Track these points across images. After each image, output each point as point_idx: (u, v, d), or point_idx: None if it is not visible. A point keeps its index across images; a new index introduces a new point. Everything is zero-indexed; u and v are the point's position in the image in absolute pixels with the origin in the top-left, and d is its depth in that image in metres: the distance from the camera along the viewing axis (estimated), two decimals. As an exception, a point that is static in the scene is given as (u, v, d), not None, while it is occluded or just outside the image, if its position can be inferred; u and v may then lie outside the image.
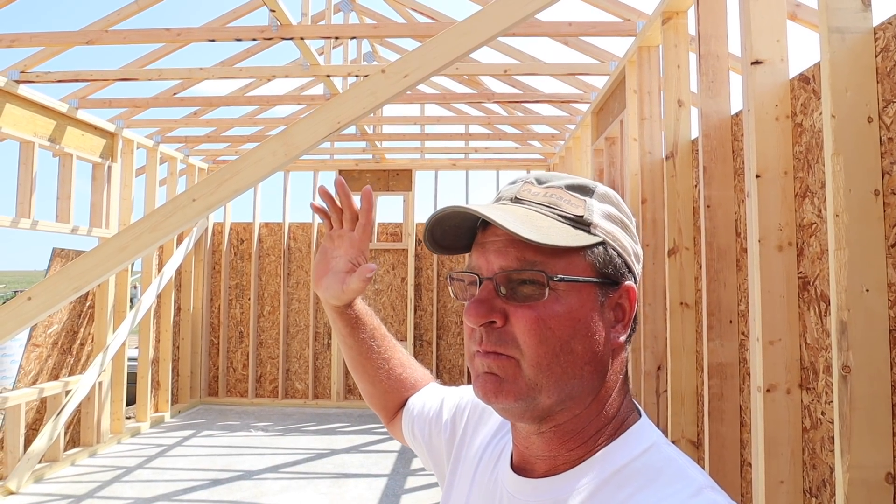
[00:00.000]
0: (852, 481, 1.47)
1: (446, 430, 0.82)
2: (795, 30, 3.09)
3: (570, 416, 0.58)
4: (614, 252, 0.59)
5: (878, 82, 1.54)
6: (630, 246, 0.61)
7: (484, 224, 0.61)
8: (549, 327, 0.55)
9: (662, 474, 0.55)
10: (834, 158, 1.55)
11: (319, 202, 0.90)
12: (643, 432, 0.59)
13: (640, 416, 0.62)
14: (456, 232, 0.63)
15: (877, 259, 1.50)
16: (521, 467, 0.63)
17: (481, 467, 0.71)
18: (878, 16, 1.55)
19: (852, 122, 1.55)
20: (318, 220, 7.34)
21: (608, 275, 0.58)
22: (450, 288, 0.64)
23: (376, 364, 0.92)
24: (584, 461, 0.58)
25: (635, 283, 0.62)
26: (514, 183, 0.64)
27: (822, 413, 1.79)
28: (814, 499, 1.83)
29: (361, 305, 0.91)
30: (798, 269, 1.92)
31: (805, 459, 1.88)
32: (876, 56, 1.55)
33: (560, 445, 0.59)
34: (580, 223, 0.58)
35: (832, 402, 1.70)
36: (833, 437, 1.72)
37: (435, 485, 4.51)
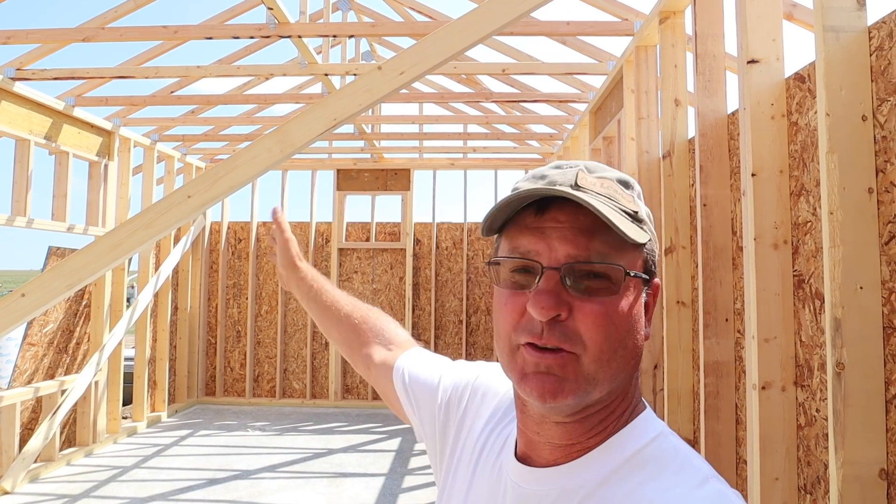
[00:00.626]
0: (846, 477, 1.48)
1: (441, 410, 0.80)
2: (791, 30, 3.10)
3: (602, 406, 0.58)
4: (654, 249, 0.61)
5: (872, 81, 1.55)
6: (657, 243, 0.63)
7: (540, 207, 0.57)
8: (613, 323, 0.54)
9: (669, 464, 0.55)
10: (829, 156, 1.55)
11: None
12: (649, 422, 0.60)
13: (646, 407, 0.62)
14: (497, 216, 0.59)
15: (871, 256, 1.51)
16: (525, 455, 0.62)
17: (484, 455, 0.69)
18: (873, 15, 1.56)
19: (847, 120, 1.55)
20: (316, 219, 7.34)
21: (651, 272, 0.60)
22: (490, 273, 0.60)
23: (338, 304, 1.05)
24: (591, 450, 0.58)
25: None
26: (560, 167, 0.60)
27: (817, 410, 1.80)
28: (808, 495, 1.84)
29: (310, 268, 1.13)
30: (793, 266, 1.93)
31: (800, 456, 1.89)
32: (870, 55, 1.56)
33: (582, 434, 0.58)
34: (637, 220, 0.58)
35: (826, 399, 1.70)
36: (827, 434, 1.72)
37: (432, 484, 4.51)
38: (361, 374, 1.03)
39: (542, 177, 0.59)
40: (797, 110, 1.93)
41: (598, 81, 4.67)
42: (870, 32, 1.56)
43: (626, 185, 0.60)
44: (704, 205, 2.41)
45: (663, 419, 2.77)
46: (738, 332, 2.34)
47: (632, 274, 0.55)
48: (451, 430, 0.77)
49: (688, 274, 2.77)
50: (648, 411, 0.61)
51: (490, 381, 0.78)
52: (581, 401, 0.55)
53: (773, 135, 1.96)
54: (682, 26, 2.93)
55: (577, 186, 0.56)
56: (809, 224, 1.85)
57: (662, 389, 2.91)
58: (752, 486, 1.93)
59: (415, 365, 0.89)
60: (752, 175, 1.94)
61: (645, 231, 0.58)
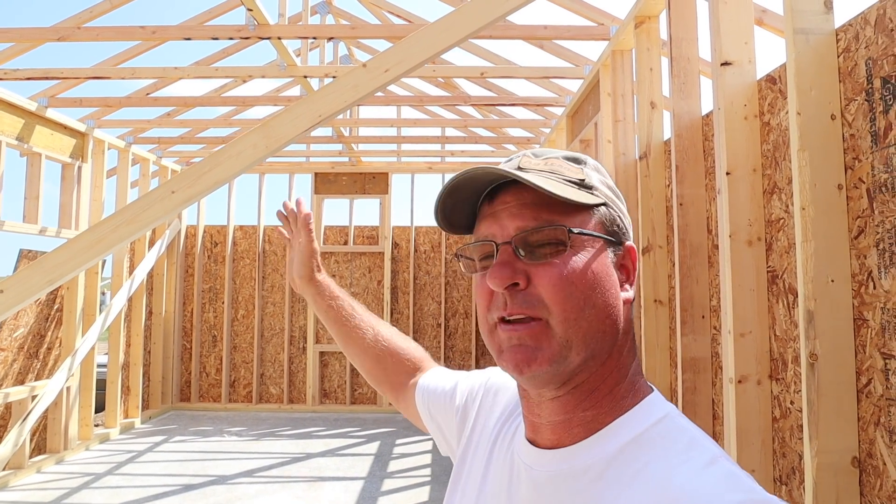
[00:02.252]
0: (820, 466, 1.52)
1: (458, 414, 0.82)
2: (762, 35, 3.19)
3: (589, 374, 0.59)
4: (616, 213, 0.62)
5: (840, 81, 1.61)
6: (625, 211, 0.65)
7: (490, 195, 0.62)
8: (571, 282, 0.56)
9: (676, 443, 0.55)
10: (800, 154, 1.61)
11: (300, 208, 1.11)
12: (657, 403, 0.60)
13: (653, 389, 0.63)
14: (462, 208, 0.64)
15: (841, 250, 1.56)
16: (533, 440, 0.64)
17: (497, 446, 0.71)
18: (839, 18, 1.62)
19: (817, 119, 1.61)
20: (293, 222, 7.28)
21: (615, 233, 0.61)
22: (459, 265, 0.65)
23: (362, 330, 1.02)
24: (599, 429, 0.58)
25: None
26: (510, 159, 0.65)
27: (791, 402, 1.85)
28: (783, 486, 1.89)
29: (331, 281, 1.08)
30: (767, 263, 1.98)
31: (775, 448, 1.93)
32: (838, 56, 1.62)
33: (575, 406, 0.59)
34: (583, 186, 0.61)
35: (801, 391, 1.76)
36: (801, 426, 1.77)
37: (412, 486, 4.50)
38: (388, 399, 1.04)
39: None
40: (769, 111, 1.99)
41: (574, 85, 4.73)
42: (837, 35, 1.63)
43: (574, 160, 0.63)
44: (681, 204, 2.46)
45: (642, 416, 2.82)
46: (715, 328, 2.39)
47: (576, 231, 0.57)
48: (467, 431, 0.79)
49: (665, 273, 2.83)
50: (656, 394, 0.62)
51: (501, 379, 0.81)
52: (559, 367, 0.57)
53: (747, 134, 2.01)
54: (656, 31, 3.00)
55: (519, 168, 0.62)
56: (782, 221, 1.90)
57: (641, 387, 2.95)
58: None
59: (433, 382, 0.92)
60: (727, 174, 2.00)
61: (595, 195, 0.61)
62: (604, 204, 0.62)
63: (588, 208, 0.60)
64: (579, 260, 0.57)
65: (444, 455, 0.89)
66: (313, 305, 1.08)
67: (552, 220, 0.58)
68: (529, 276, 0.57)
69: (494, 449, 0.71)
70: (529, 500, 0.61)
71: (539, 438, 0.63)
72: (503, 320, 0.58)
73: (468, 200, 0.63)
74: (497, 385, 0.80)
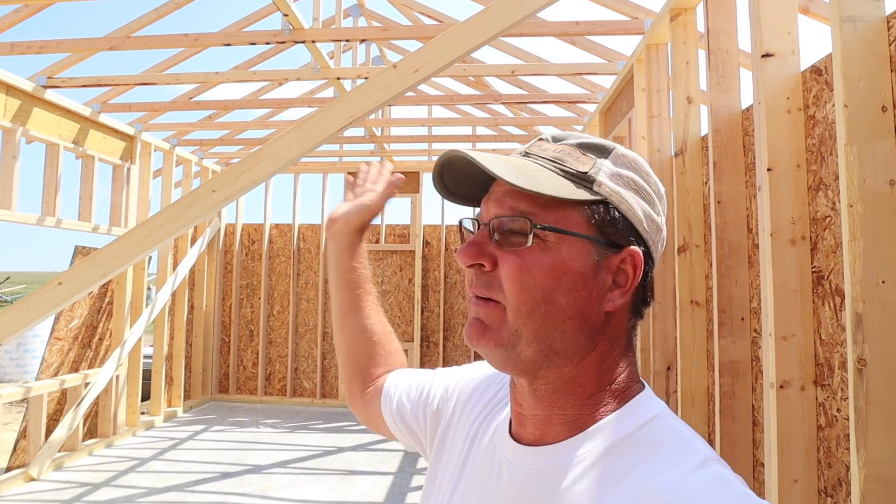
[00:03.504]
0: (868, 478, 1.45)
1: (432, 410, 0.79)
2: (807, 24, 3.06)
3: (558, 373, 0.57)
4: (618, 214, 0.57)
5: (891, 71, 1.52)
6: (643, 212, 0.59)
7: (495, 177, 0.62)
8: (531, 275, 0.55)
9: (666, 445, 0.53)
10: (847, 148, 1.52)
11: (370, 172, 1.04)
12: (647, 403, 0.58)
13: (644, 388, 0.60)
14: (473, 183, 0.63)
15: (892, 250, 1.48)
16: (518, 434, 0.62)
17: (476, 443, 0.69)
18: (891, 4, 1.53)
19: (866, 111, 1.52)
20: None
21: (607, 234, 0.57)
22: (461, 236, 0.66)
23: (365, 312, 0.93)
24: (584, 429, 0.57)
25: (648, 252, 0.59)
26: (540, 139, 0.64)
27: (838, 410, 1.76)
28: (829, 498, 1.80)
29: (363, 252, 0.97)
30: (812, 263, 1.89)
31: (820, 458, 1.85)
32: (889, 44, 1.53)
33: (551, 404, 0.58)
34: (583, 180, 0.57)
35: (848, 398, 1.67)
36: (849, 435, 1.69)
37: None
38: (345, 391, 0.96)
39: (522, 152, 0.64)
40: (814, 103, 1.90)
41: (607, 81, 4.64)
42: (888, 21, 1.54)
43: (595, 149, 0.60)
44: (718, 202, 2.38)
45: (678, 420, 2.74)
46: (755, 331, 2.30)
47: (539, 227, 0.55)
48: (442, 426, 0.77)
49: (702, 273, 2.74)
50: (647, 392, 0.60)
51: (477, 374, 0.79)
52: (508, 353, 0.57)
53: (789, 129, 1.93)
54: (693, 23, 2.91)
55: (526, 154, 0.61)
56: (828, 219, 1.81)
57: (676, 391, 2.87)
58: (769, 489, 1.90)
59: (404, 381, 0.87)
60: (768, 170, 1.91)
61: (593, 191, 0.57)
62: (603, 202, 0.57)
63: (575, 204, 0.56)
64: (547, 256, 0.56)
65: (409, 450, 0.86)
66: (334, 260, 0.94)
67: (524, 212, 0.56)
68: (497, 260, 0.58)
69: (474, 443, 0.69)
70: (511, 497, 0.59)
71: (523, 432, 0.61)
72: (473, 296, 0.60)
73: (479, 177, 0.61)
74: (475, 381, 0.78)
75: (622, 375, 0.59)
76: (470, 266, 0.59)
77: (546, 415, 0.59)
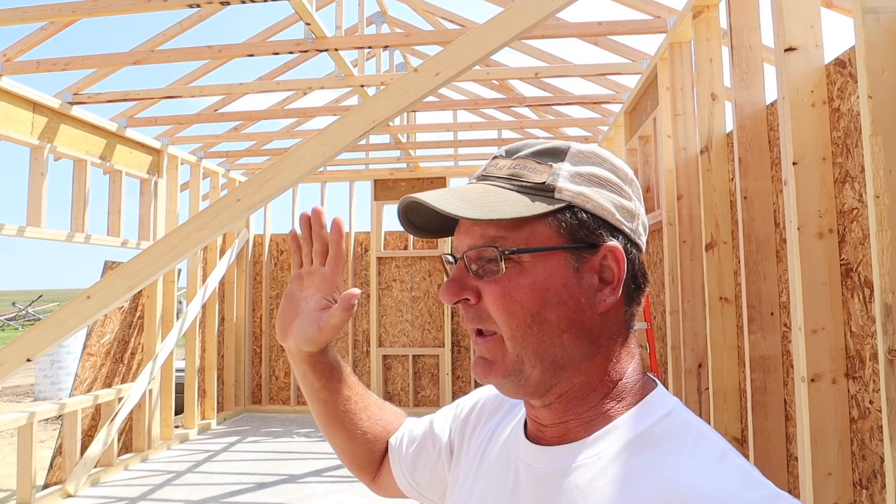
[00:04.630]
0: (903, 469, 1.43)
1: (445, 448, 0.79)
2: (830, 17, 3.03)
3: (570, 384, 0.58)
4: (585, 214, 0.57)
5: (916, 61, 1.52)
6: (611, 203, 0.58)
7: None
8: (515, 300, 0.55)
9: (683, 439, 0.54)
10: (872, 139, 1.52)
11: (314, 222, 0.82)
12: (662, 399, 0.58)
13: (657, 384, 0.61)
14: (439, 216, 0.60)
15: (921, 240, 1.47)
16: (535, 436, 0.63)
17: (489, 451, 0.69)
18: (914, -7, 1.52)
19: (890, 101, 1.52)
20: (355, 229, 7.48)
21: (580, 238, 0.56)
22: (444, 272, 0.65)
23: (355, 415, 0.83)
24: (601, 427, 0.57)
25: (629, 241, 0.59)
26: (493, 156, 0.64)
27: (871, 402, 1.74)
28: (864, 490, 1.78)
29: (333, 353, 0.82)
30: (840, 255, 1.88)
31: (854, 450, 1.83)
32: (913, 34, 1.53)
33: (567, 412, 0.59)
34: (541, 191, 0.57)
35: (880, 390, 1.66)
36: (882, 426, 1.67)
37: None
38: (364, 483, 0.90)
39: (480, 174, 0.64)
40: (839, 96, 1.89)
41: (632, 81, 4.63)
42: (911, 12, 1.53)
43: (549, 154, 0.59)
44: (745, 198, 2.37)
45: (710, 419, 2.72)
46: (785, 325, 2.29)
47: (507, 252, 0.55)
48: (455, 454, 0.77)
49: (730, 269, 2.72)
50: (660, 389, 0.60)
51: (490, 395, 0.79)
52: (518, 379, 0.57)
53: (815, 122, 1.92)
54: (716, 20, 2.90)
55: (482, 177, 0.61)
56: (856, 211, 1.80)
57: (708, 388, 2.85)
58: (804, 482, 1.88)
59: (407, 437, 0.84)
60: (794, 164, 1.91)
61: (559, 199, 0.56)
62: (567, 208, 0.56)
63: (540, 217, 0.56)
64: (525, 277, 0.55)
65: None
66: (300, 378, 0.82)
67: (494, 238, 0.57)
68: (481, 292, 0.58)
69: (487, 450, 0.70)
70: (529, 498, 0.59)
71: (542, 436, 0.62)
72: (473, 331, 0.60)
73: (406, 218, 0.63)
74: (486, 401, 0.78)
75: (630, 368, 0.60)
76: (455, 303, 0.59)
77: (563, 422, 0.60)
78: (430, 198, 0.57)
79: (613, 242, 0.57)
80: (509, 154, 0.61)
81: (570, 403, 0.58)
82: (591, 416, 0.58)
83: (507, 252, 0.56)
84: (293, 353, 0.79)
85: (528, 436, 0.64)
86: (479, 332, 0.59)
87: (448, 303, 0.59)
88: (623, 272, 0.57)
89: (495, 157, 0.62)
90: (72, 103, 4.57)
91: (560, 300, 0.55)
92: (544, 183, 0.57)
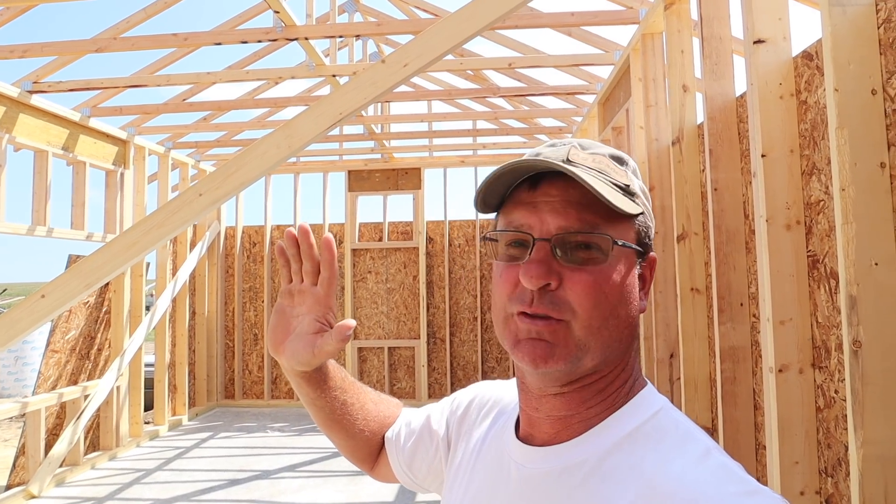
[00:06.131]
0: (866, 457, 1.46)
1: (442, 442, 0.80)
2: (798, 10, 3.06)
3: (599, 377, 0.59)
4: (650, 223, 0.62)
5: (881, 54, 1.53)
6: (650, 218, 0.64)
7: (533, 181, 0.59)
8: (603, 292, 0.56)
9: (670, 437, 0.56)
10: (838, 132, 1.53)
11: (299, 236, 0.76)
12: (651, 398, 0.60)
13: (647, 383, 0.63)
14: (490, 190, 0.60)
15: (885, 232, 1.49)
16: (528, 435, 0.63)
17: (485, 449, 0.70)
18: (880, -13, 1.53)
19: (856, 95, 1.53)
20: (328, 220, 7.39)
21: (645, 244, 0.61)
22: (484, 249, 0.64)
23: (352, 417, 0.83)
24: (594, 426, 0.58)
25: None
26: (554, 145, 0.62)
27: (836, 391, 1.77)
28: (829, 478, 1.81)
29: (337, 371, 0.82)
30: (807, 247, 1.90)
31: (819, 439, 1.86)
32: (878, 28, 1.54)
33: (579, 404, 0.59)
34: (627, 192, 0.59)
35: (845, 379, 1.68)
36: (847, 415, 1.70)
37: (451, 480, 4.51)
38: (365, 471, 0.93)
39: (537, 154, 0.61)
40: (806, 89, 1.90)
41: (605, 72, 4.64)
42: (877, 5, 1.54)
43: (619, 160, 0.62)
44: (715, 189, 2.39)
45: (681, 408, 2.75)
46: (754, 316, 2.31)
47: (620, 243, 0.57)
48: (453, 451, 0.77)
49: (701, 260, 2.75)
50: (650, 388, 0.62)
51: (490, 392, 0.79)
52: (573, 367, 0.56)
53: (783, 114, 1.93)
54: (687, 11, 2.91)
55: (568, 161, 0.58)
56: (822, 203, 1.82)
57: (679, 378, 2.89)
58: (771, 471, 1.91)
59: (404, 430, 0.85)
60: (762, 156, 1.92)
61: (637, 204, 0.59)
62: (642, 213, 0.61)
63: (630, 217, 0.59)
64: (614, 271, 0.57)
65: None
66: (295, 388, 0.81)
67: (597, 226, 0.56)
68: (562, 277, 0.56)
69: (482, 450, 0.70)
70: (522, 498, 0.60)
71: (535, 433, 0.62)
72: (524, 313, 0.56)
73: (504, 182, 0.60)
74: (486, 397, 0.78)
75: (635, 368, 0.63)
76: (538, 288, 0.56)
77: (568, 415, 0.60)
78: (576, 172, 0.54)
79: (653, 253, 0.63)
80: (583, 147, 0.61)
81: (587, 394, 0.59)
82: (594, 412, 0.59)
83: (618, 242, 0.57)
84: (287, 370, 0.77)
85: (519, 436, 0.64)
86: (531, 315, 0.56)
87: (534, 287, 0.55)
88: (653, 279, 0.63)
89: (573, 147, 0.60)
90: (31, 92, 4.41)
91: (629, 298, 0.58)
92: (629, 186, 0.60)
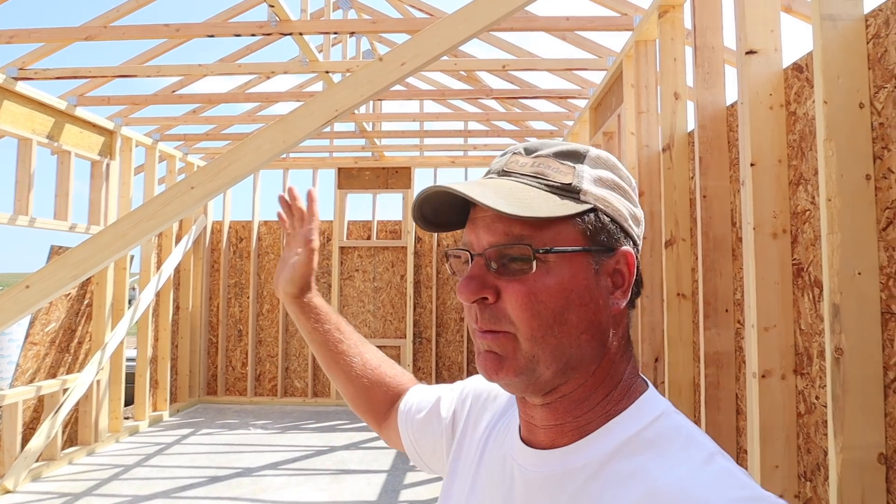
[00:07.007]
0: (845, 462, 1.49)
1: (446, 426, 0.81)
2: (790, 22, 3.11)
3: (576, 385, 0.58)
4: (607, 217, 0.58)
5: (869, 69, 1.56)
6: (626, 209, 0.60)
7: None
8: (540, 300, 0.55)
9: (672, 442, 0.55)
10: (826, 144, 1.56)
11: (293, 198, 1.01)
12: (652, 401, 0.59)
13: (648, 386, 0.62)
14: (451, 209, 0.61)
15: (869, 242, 1.52)
16: (528, 439, 0.63)
17: (488, 450, 0.70)
18: (869, 3, 1.57)
19: (844, 108, 1.56)
20: (319, 217, 7.34)
21: (601, 242, 0.57)
22: (447, 265, 0.64)
23: (349, 357, 0.93)
24: (594, 430, 0.58)
25: (635, 246, 0.61)
26: (504, 154, 0.63)
27: (817, 397, 1.80)
28: (808, 482, 1.85)
29: (321, 300, 0.97)
30: (792, 255, 1.94)
31: (800, 444, 1.90)
32: (867, 42, 1.57)
33: (566, 413, 0.59)
34: (568, 191, 0.57)
35: (826, 386, 1.72)
36: (827, 421, 1.73)
37: (434, 479, 4.52)
38: (372, 428, 0.99)
39: (489, 168, 0.63)
40: (795, 100, 1.94)
41: (597, 77, 4.68)
42: (867, 20, 1.58)
43: (569, 156, 0.60)
44: (704, 196, 2.42)
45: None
46: (739, 322, 2.35)
47: (541, 251, 0.55)
48: (456, 440, 0.78)
49: (688, 266, 2.78)
50: (651, 391, 0.61)
51: (490, 384, 0.79)
52: (529, 378, 0.56)
53: (772, 125, 1.97)
54: (681, 20, 2.94)
55: (503, 172, 0.60)
56: (808, 213, 1.86)
57: (664, 382, 2.92)
58: (752, 475, 1.94)
59: (415, 403, 0.88)
60: (751, 165, 1.95)
61: (581, 201, 0.57)
62: (592, 210, 0.57)
63: (566, 220, 0.56)
64: (551, 277, 0.55)
65: (421, 470, 0.87)
66: (296, 322, 0.98)
67: (521, 237, 0.55)
68: (500, 290, 0.56)
69: (485, 449, 0.70)
70: (524, 501, 0.60)
71: (534, 439, 0.62)
72: (482, 329, 0.58)
73: (457, 202, 0.60)
74: (487, 390, 0.79)
75: (627, 371, 0.61)
76: (473, 302, 0.57)
77: (559, 424, 0.60)
78: (469, 190, 0.55)
79: (627, 247, 0.59)
80: (528, 152, 0.61)
81: (570, 404, 0.59)
82: (587, 419, 0.59)
83: (540, 251, 0.55)
84: (284, 299, 0.96)
85: (522, 438, 0.64)
86: (489, 330, 0.57)
87: (467, 301, 0.57)
88: (633, 276, 0.59)
89: (514, 154, 0.61)
90: (17, 78, 4.34)
91: (582, 301, 0.56)
92: (570, 184, 0.58)
